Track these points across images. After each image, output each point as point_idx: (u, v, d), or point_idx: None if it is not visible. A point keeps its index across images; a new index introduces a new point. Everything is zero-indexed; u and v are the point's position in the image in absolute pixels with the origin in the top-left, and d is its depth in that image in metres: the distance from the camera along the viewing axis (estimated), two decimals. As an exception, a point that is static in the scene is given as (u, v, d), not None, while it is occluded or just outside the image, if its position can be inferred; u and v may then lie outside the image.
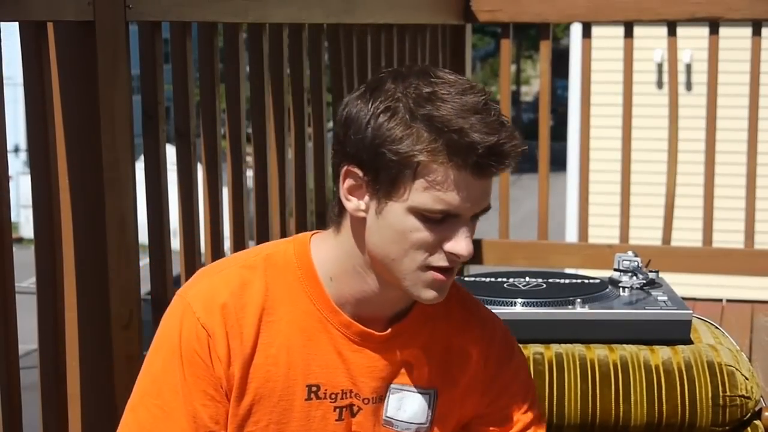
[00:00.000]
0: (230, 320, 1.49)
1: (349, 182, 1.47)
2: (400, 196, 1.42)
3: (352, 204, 1.48)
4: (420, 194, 1.41)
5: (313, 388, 1.53)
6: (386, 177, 1.42)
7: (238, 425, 1.51)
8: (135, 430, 1.52)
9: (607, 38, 4.99)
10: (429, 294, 1.48)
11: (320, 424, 1.54)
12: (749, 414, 2.00)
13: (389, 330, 1.55)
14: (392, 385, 1.57)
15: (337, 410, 1.54)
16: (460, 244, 1.44)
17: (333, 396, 1.54)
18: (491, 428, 1.63)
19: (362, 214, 1.47)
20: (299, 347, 1.52)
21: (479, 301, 1.70)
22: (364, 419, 1.56)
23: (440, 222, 1.43)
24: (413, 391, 1.58)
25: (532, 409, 1.65)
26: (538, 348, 2.03)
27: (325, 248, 1.54)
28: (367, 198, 1.46)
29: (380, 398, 1.56)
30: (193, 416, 1.49)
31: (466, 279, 2.26)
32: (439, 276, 1.46)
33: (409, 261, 1.45)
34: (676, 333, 2.06)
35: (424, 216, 1.42)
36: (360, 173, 1.45)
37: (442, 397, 1.60)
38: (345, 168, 1.46)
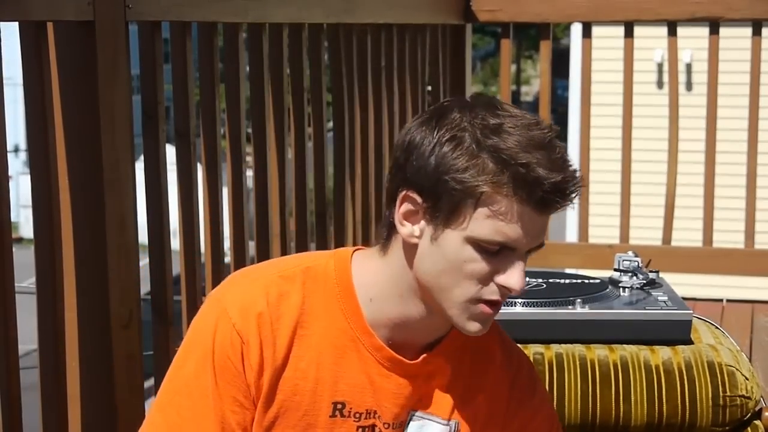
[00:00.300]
0: (265, 330, 1.48)
1: (406, 207, 1.46)
2: (459, 225, 1.42)
3: (406, 229, 1.46)
4: (480, 224, 1.41)
5: (339, 406, 1.52)
6: (447, 204, 1.42)
7: None
8: (163, 430, 1.51)
9: (608, 38, 4.98)
10: (474, 327, 1.47)
11: None
12: (749, 414, 2.00)
13: (420, 359, 1.54)
14: (415, 413, 1.56)
15: (360, 430, 1.54)
16: (513, 278, 1.43)
17: (357, 415, 1.53)
18: None
19: (415, 240, 1.46)
20: (329, 364, 1.51)
21: (507, 335, 1.70)
22: None
23: (495, 254, 1.43)
24: (435, 421, 1.57)
25: None
26: (538, 348, 2.03)
27: (369, 268, 1.53)
28: (423, 224, 1.45)
29: (401, 424, 1.56)
30: (221, 421, 1.48)
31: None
32: (487, 309, 1.46)
33: (460, 291, 1.45)
34: (677, 333, 2.06)
35: (481, 247, 1.42)
36: (419, 199, 1.44)
37: (463, 430, 1.59)
38: (403, 193, 1.45)
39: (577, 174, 1.43)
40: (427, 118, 1.46)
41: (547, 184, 1.39)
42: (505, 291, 1.45)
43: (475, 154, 1.40)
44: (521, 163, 1.39)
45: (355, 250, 1.58)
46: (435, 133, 1.43)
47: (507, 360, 1.64)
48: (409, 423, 1.56)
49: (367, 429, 1.54)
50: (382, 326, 1.52)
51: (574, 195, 1.43)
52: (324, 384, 1.51)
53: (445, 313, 1.47)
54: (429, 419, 1.57)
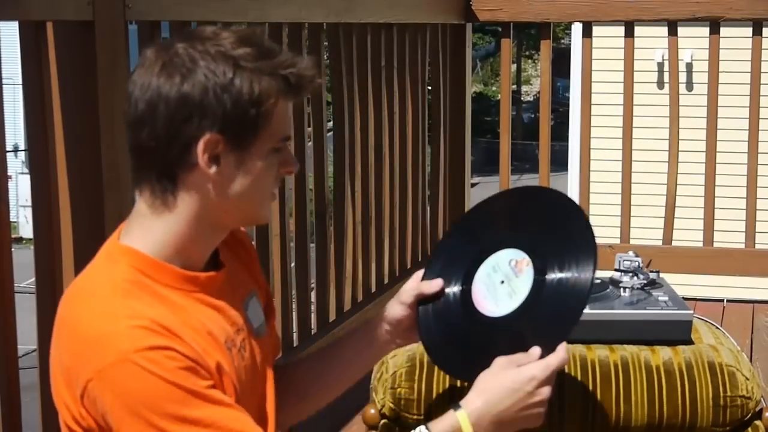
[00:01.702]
0: (167, 327, 1.45)
1: (209, 150, 1.48)
2: (262, 139, 1.51)
3: (212, 170, 1.49)
4: (273, 132, 1.51)
5: (229, 340, 1.55)
6: (250, 129, 1.49)
7: None
8: None
9: (608, 38, 4.98)
10: (267, 212, 1.64)
11: (251, 362, 1.60)
12: (750, 414, 2.00)
13: (222, 266, 1.61)
14: (244, 302, 1.65)
15: (241, 347, 1.58)
16: (291, 163, 1.57)
17: (231, 341, 1.56)
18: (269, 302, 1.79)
19: (216, 178, 1.50)
20: (191, 332, 1.49)
21: None
22: (248, 344, 1.61)
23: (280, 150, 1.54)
24: (252, 297, 1.68)
25: None
26: (539, 348, 2.03)
27: (158, 232, 1.53)
28: (224, 159, 1.49)
29: (246, 318, 1.63)
30: (222, 398, 1.47)
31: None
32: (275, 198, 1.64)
33: (266, 195, 1.56)
34: (677, 333, 2.06)
35: (275, 149, 1.53)
36: (220, 137, 1.48)
37: (260, 293, 1.72)
38: (205, 138, 1.47)
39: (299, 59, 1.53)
40: (161, 71, 1.47)
41: (288, 70, 1.49)
42: (287, 175, 1.61)
43: (251, 76, 1.47)
44: (254, 65, 1.47)
45: (112, 244, 1.56)
46: (197, 77, 1.46)
47: (239, 231, 1.75)
48: (246, 311, 1.64)
49: (244, 342, 1.59)
50: (193, 264, 1.55)
51: (311, 75, 1.53)
52: (206, 345, 1.50)
53: (248, 220, 1.64)
54: (249, 299, 1.67)
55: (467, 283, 1.74)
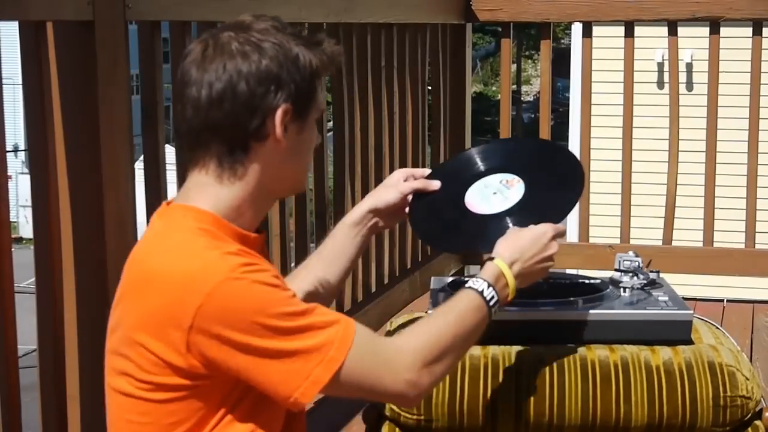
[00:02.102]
0: (251, 256, 1.59)
1: (283, 119, 1.62)
2: (313, 110, 1.68)
3: (285, 138, 1.63)
4: (318, 102, 1.69)
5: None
6: (310, 99, 1.66)
7: None
8: (327, 329, 1.57)
9: (608, 38, 4.97)
10: (305, 182, 1.81)
11: None
12: (750, 414, 2.00)
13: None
14: None
15: None
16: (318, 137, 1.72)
17: None
18: None
19: (283, 145, 1.64)
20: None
21: None
22: None
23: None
24: None
25: None
26: (539, 348, 2.03)
27: (228, 199, 1.64)
28: (290, 128, 1.64)
29: None
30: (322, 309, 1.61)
31: (466, 278, 2.26)
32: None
33: (308, 164, 1.74)
34: (677, 333, 2.06)
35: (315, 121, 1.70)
36: (290, 107, 1.63)
37: None
38: (281, 108, 1.61)
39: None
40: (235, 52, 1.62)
41: (323, 44, 1.68)
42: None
43: (284, 42, 1.63)
44: (324, 38, 1.69)
45: (174, 203, 1.67)
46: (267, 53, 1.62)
47: None
48: None
49: None
50: (248, 226, 1.68)
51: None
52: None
53: (295, 189, 1.76)
54: None
55: (460, 194, 2.00)
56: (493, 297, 1.77)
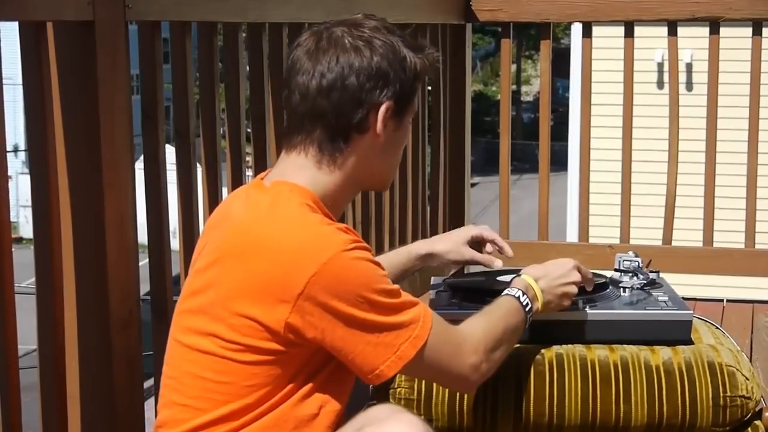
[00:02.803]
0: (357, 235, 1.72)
1: (385, 116, 1.74)
2: (411, 109, 1.79)
3: (385, 133, 1.76)
4: (414, 102, 1.80)
5: None
6: (410, 97, 1.78)
7: None
8: (414, 309, 1.71)
9: (608, 38, 4.97)
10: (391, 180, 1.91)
11: None
12: (750, 414, 2.00)
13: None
14: None
15: None
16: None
17: None
18: None
19: (381, 140, 1.76)
20: None
21: None
22: None
23: None
24: None
25: None
26: (539, 348, 2.03)
27: (327, 185, 1.76)
28: (389, 124, 1.76)
29: None
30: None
31: (467, 277, 2.26)
32: None
33: (397, 160, 1.85)
34: (677, 333, 2.06)
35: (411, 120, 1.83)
36: (393, 105, 1.75)
37: None
38: (384, 105, 1.74)
39: None
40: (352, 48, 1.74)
41: (428, 55, 1.80)
42: None
43: (396, 44, 1.75)
44: (413, 43, 1.79)
45: (271, 181, 1.79)
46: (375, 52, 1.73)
47: None
48: None
49: None
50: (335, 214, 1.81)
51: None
52: None
53: (381, 185, 1.90)
54: None
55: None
56: (527, 303, 1.92)
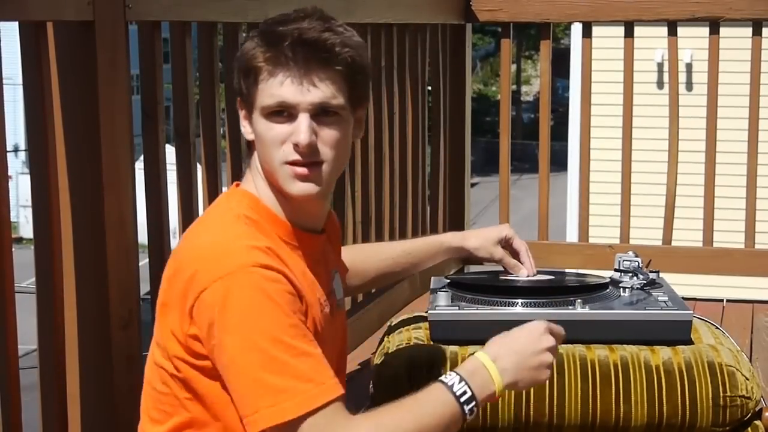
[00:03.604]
0: (281, 258, 1.60)
1: (241, 114, 1.70)
2: (255, 104, 1.64)
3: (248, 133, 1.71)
4: (261, 95, 1.63)
5: (321, 300, 1.68)
6: (247, 92, 1.65)
7: None
8: (302, 382, 1.51)
9: (608, 38, 4.97)
10: (295, 187, 1.64)
11: (333, 327, 1.73)
12: (750, 414, 2.00)
13: (323, 231, 1.78)
14: (333, 272, 1.82)
15: (331, 311, 1.73)
16: (297, 134, 1.61)
17: (325, 301, 1.70)
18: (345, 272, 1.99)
19: (251, 138, 1.69)
20: (300, 275, 1.64)
21: None
22: (335, 310, 1.77)
23: (287, 119, 1.62)
24: (336, 272, 1.83)
25: None
26: (539, 348, 2.03)
27: (262, 187, 1.69)
28: (246, 121, 1.70)
29: (333, 287, 1.79)
30: (314, 341, 1.56)
31: (467, 276, 2.26)
32: (295, 169, 1.63)
33: (272, 158, 1.64)
34: (677, 333, 2.06)
35: (268, 115, 1.63)
36: (242, 102, 1.69)
37: (340, 270, 1.88)
38: (238, 103, 1.69)
39: (327, 31, 1.61)
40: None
41: (285, 36, 1.59)
42: (295, 148, 1.62)
43: (247, 39, 1.65)
44: (263, 29, 1.63)
45: (235, 188, 1.74)
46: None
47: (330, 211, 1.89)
48: (333, 283, 1.80)
49: (332, 308, 1.74)
50: (296, 221, 1.69)
51: (321, 42, 1.60)
52: (309, 291, 1.65)
53: (277, 184, 1.66)
54: (335, 274, 1.83)
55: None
56: (465, 392, 1.61)
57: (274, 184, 1.67)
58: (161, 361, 1.63)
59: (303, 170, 1.63)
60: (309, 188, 1.64)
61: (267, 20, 1.67)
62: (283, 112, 1.62)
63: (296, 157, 1.62)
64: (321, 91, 1.61)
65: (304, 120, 1.61)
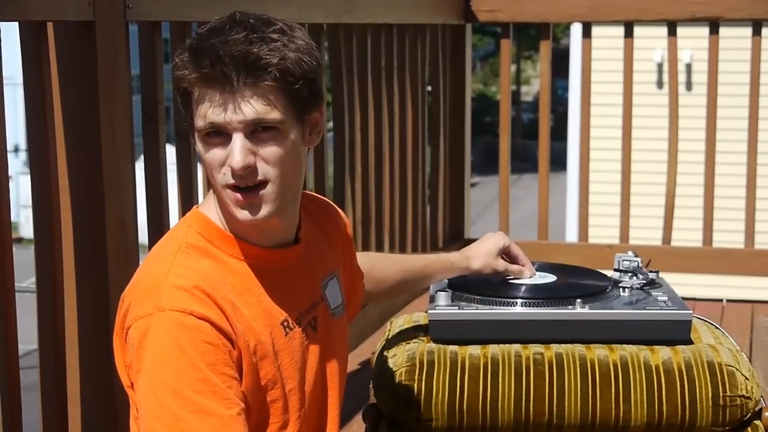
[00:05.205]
0: (212, 296, 1.49)
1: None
2: (192, 126, 1.52)
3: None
4: (196, 117, 1.50)
5: (284, 323, 1.59)
6: (186, 114, 1.53)
7: (260, 396, 1.54)
8: None
9: (607, 38, 4.98)
10: (239, 213, 1.53)
11: (300, 351, 1.62)
12: (749, 414, 2.00)
13: (297, 240, 1.65)
14: (323, 282, 1.72)
15: (304, 332, 1.63)
16: (231, 158, 1.49)
17: (298, 320, 1.62)
18: (356, 275, 1.91)
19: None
20: (255, 299, 1.56)
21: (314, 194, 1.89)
22: (322, 322, 1.68)
23: (221, 141, 1.49)
24: (332, 277, 1.75)
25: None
26: (538, 348, 2.03)
27: (217, 207, 1.59)
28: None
29: (322, 296, 1.71)
30: (228, 401, 1.46)
31: (467, 276, 2.26)
32: (236, 195, 1.51)
33: (214, 182, 1.53)
34: (677, 333, 2.06)
35: (202, 137, 1.51)
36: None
37: (340, 274, 1.79)
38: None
39: (253, 43, 1.47)
40: None
41: (209, 52, 1.45)
42: (232, 171, 1.49)
43: (177, 54, 1.51)
44: (189, 44, 1.49)
45: (195, 208, 1.64)
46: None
47: (334, 209, 1.84)
48: (324, 292, 1.71)
49: (315, 321, 1.66)
50: (256, 240, 1.58)
51: (247, 56, 1.45)
52: (265, 316, 1.57)
53: (226, 207, 1.54)
54: (329, 280, 1.74)
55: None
56: None
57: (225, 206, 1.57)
58: (130, 392, 1.59)
59: (240, 198, 1.51)
60: (250, 215, 1.52)
61: (198, 31, 1.55)
62: (219, 133, 1.49)
63: (232, 181, 1.50)
64: (252, 108, 1.47)
65: (237, 141, 1.48)
